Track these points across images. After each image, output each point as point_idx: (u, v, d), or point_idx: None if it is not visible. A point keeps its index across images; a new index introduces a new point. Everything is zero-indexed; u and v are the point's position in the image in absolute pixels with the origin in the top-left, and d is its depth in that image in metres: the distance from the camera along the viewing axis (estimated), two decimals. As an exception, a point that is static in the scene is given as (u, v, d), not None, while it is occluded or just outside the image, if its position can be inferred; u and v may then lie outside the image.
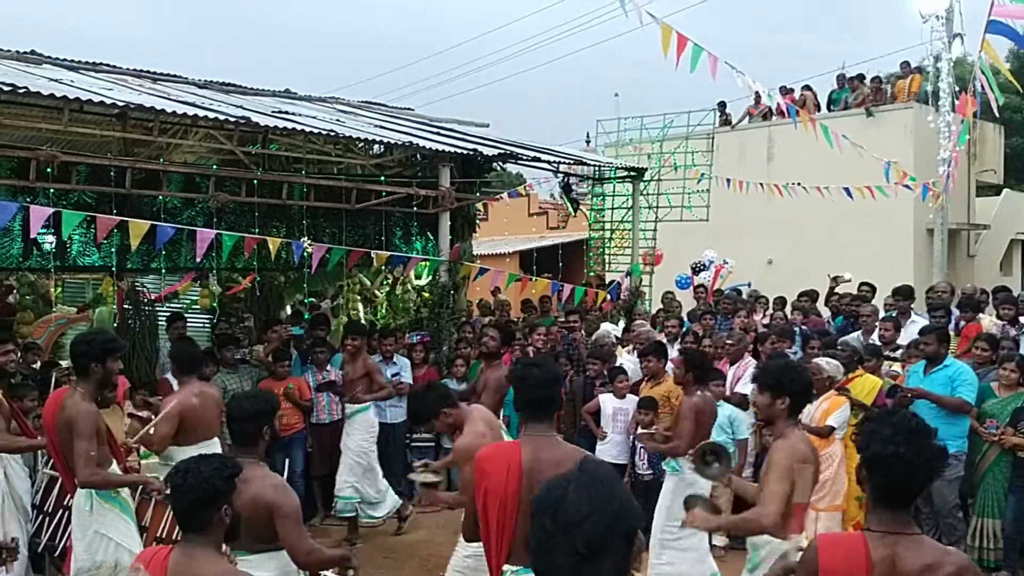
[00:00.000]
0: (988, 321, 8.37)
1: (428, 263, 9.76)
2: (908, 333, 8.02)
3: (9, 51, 8.77)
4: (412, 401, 5.09)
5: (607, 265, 13.44)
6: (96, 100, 6.85)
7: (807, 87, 18.00)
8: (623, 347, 8.85)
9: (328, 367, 7.98)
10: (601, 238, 13.72)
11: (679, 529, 5.51)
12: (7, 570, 3.82)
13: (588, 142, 21.81)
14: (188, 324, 9.22)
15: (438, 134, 10.12)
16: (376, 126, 9.74)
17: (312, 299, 11.56)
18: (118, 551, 4.55)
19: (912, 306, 8.84)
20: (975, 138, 17.83)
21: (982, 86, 8.97)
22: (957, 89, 14.83)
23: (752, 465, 7.20)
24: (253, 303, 11.04)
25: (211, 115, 7.59)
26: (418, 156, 10.25)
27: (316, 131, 8.31)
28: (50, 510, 5.67)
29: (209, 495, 2.81)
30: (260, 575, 3.50)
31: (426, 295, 11.18)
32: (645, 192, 12.35)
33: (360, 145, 10.06)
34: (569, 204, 12.60)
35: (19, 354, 7.38)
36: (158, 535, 4.90)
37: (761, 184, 13.13)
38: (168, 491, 2.94)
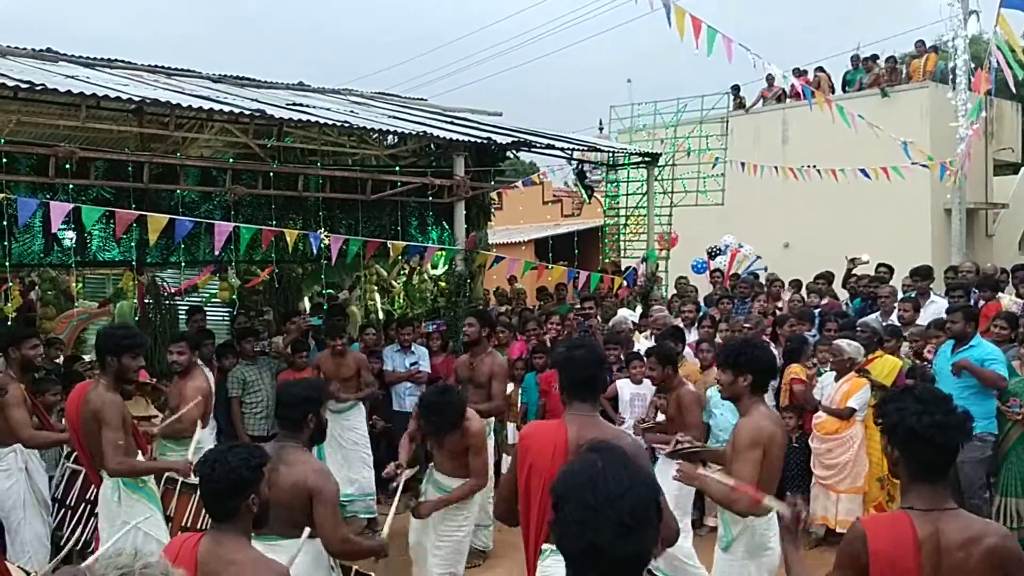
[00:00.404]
0: (1007, 300, 8.32)
1: (444, 252, 9.78)
2: (927, 314, 7.99)
3: (25, 49, 8.84)
4: (439, 408, 4.91)
5: (622, 251, 13.42)
6: (112, 96, 6.89)
7: (820, 69, 17.87)
8: (640, 332, 8.86)
9: (347, 357, 8.03)
10: (616, 225, 13.70)
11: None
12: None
13: (601, 129, 21.77)
14: (208, 317, 9.30)
15: (452, 123, 10.12)
16: (390, 117, 9.75)
17: (330, 291, 11.61)
18: (146, 541, 4.61)
19: (931, 286, 8.80)
20: (992, 116, 17.68)
21: (998, 62, 8.89)
22: (973, 67, 14.70)
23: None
24: (272, 295, 11.11)
25: (226, 109, 7.62)
26: (432, 146, 10.26)
27: (330, 123, 8.33)
28: (72, 503, 5.76)
29: (237, 485, 2.84)
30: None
31: (443, 284, 11.23)
32: (660, 177, 12.32)
33: (374, 136, 10.09)
34: (583, 191, 12.59)
35: (42, 349, 7.47)
36: (183, 524, 4.97)
37: (776, 167, 13.06)
38: (195, 477, 2.98)
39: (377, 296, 12.15)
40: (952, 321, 6.65)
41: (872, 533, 2.57)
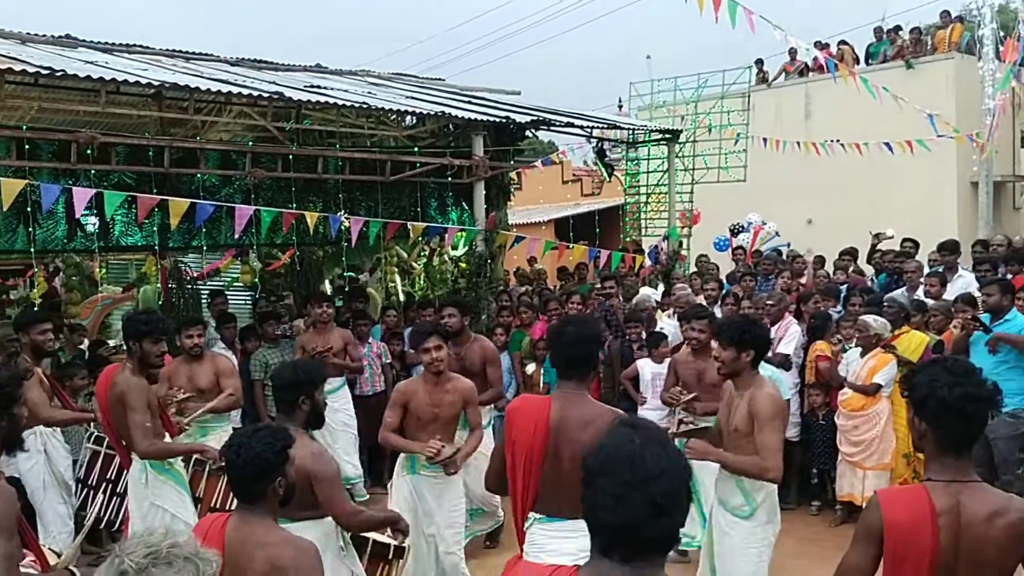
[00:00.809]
0: (1037, 273, 8.18)
1: (464, 233, 9.76)
2: (954, 288, 7.87)
3: (44, 36, 8.88)
4: None
5: (643, 230, 13.33)
6: (132, 80, 6.93)
7: (843, 42, 17.61)
8: (663, 311, 8.81)
9: (370, 339, 8.04)
10: (636, 203, 13.60)
11: None
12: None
13: (620, 107, 21.59)
14: (231, 301, 9.35)
15: (470, 103, 10.07)
16: (408, 97, 9.72)
17: (351, 273, 11.65)
18: (173, 522, 4.66)
19: (958, 261, 8.68)
20: (1020, 87, 17.35)
21: (1027, 31, 8.70)
22: (1002, 35, 14.43)
23: (797, 426, 7.16)
24: (293, 278, 11.16)
25: (245, 92, 7.63)
26: (451, 126, 10.23)
27: (349, 104, 8.33)
28: (94, 483, 5.85)
29: (262, 469, 2.84)
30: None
31: (463, 265, 11.20)
32: (680, 155, 12.21)
33: (393, 117, 10.06)
34: (604, 169, 12.51)
35: (65, 335, 7.55)
36: (212, 505, 5.01)
37: (799, 143, 12.91)
38: (223, 462, 2.99)
39: (398, 278, 12.17)
40: (987, 294, 6.50)
41: (887, 504, 2.56)
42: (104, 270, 11.28)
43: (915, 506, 2.50)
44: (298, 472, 3.57)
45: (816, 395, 7.13)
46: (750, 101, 13.50)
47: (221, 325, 7.99)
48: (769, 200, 15.14)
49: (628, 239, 13.59)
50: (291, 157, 8.53)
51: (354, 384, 7.87)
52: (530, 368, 8.52)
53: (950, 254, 8.55)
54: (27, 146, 7.05)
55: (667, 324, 8.27)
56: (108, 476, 5.83)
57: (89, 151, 7.15)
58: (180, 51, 9.83)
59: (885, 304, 7.18)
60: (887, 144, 12.51)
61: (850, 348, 7.04)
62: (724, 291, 8.88)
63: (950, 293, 7.76)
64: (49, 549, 3.65)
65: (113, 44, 9.40)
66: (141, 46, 9.60)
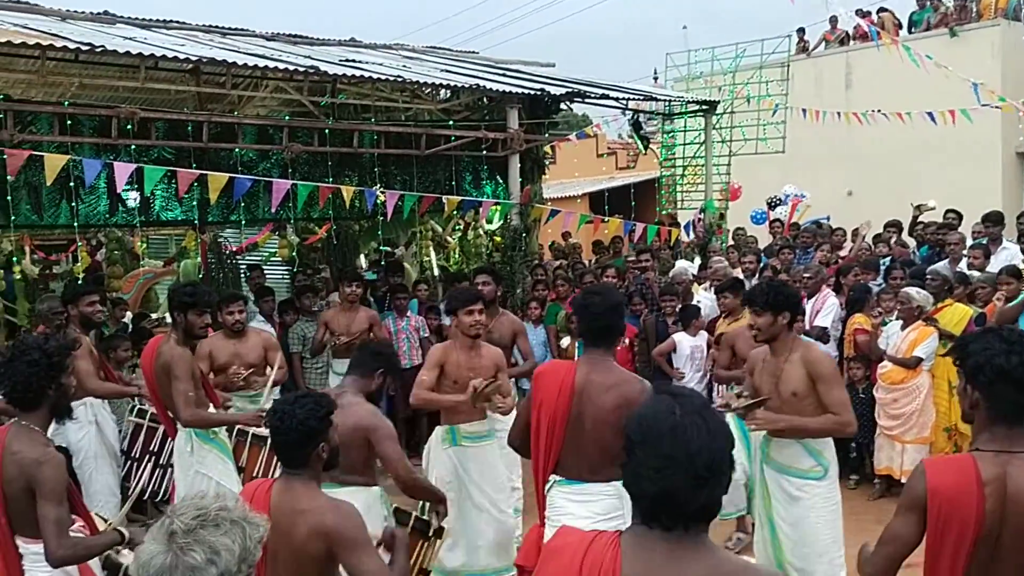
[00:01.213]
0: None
1: (499, 207, 9.75)
2: (999, 260, 7.73)
3: (83, 13, 8.97)
4: None
5: (679, 203, 13.21)
6: (170, 56, 6.98)
7: (883, 9, 17.19)
8: (699, 285, 8.75)
9: (408, 312, 8.10)
10: (672, 176, 13.46)
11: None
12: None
13: (656, 79, 21.34)
14: (269, 275, 9.44)
15: (504, 76, 10.02)
16: (442, 70, 9.70)
17: (386, 248, 11.70)
18: (218, 489, 4.75)
19: (1002, 232, 8.50)
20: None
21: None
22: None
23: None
24: (330, 252, 11.24)
25: (281, 66, 7.66)
26: (485, 99, 10.18)
27: (383, 77, 8.32)
28: (137, 455, 5.98)
29: (305, 436, 2.89)
30: None
31: (498, 239, 11.19)
32: (718, 126, 12.05)
33: (427, 90, 10.05)
34: (639, 142, 12.40)
35: (108, 308, 7.68)
36: (254, 475, 5.10)
37: (839, 113, 12.67)
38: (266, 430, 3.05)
39: (432, 252, 12.19)
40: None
41: (933, 472, 2.53)
42: (145, 245, 11.45)
43: (961, 475, 2.47)
44: (357, 430, 3.70)
45: (857, 368, 7.05)
46: (789, 71, 13.26)
47: (259, 299, 8.08)
48: (808, 172, 14.92)
49: (664, 212, 13.48)
50: (327, 131, 8.57)
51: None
52: (565, 341, 8.53)
53: (994, 225, 8.39)
54: (69, 122, 7.15)
55: (703, 297, 8.23)
56: (152, 448, 5.95)
57: (129, 126, 7.24)
58: (216, 27, 9.89)
59: (928, 276, 7.08)
60: (930, 114, 12.23)
61: (890, 321, 6.95)
62: (762, 264, 8.80)
63: (994, 265, 7.62)
64: (97, 515, 3.75)
65: (151, 20, 9.49)
66: (178, 22, 9.68)
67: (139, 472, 5.93)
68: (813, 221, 12.63)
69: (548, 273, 9.79)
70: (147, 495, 5.96)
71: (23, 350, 3.34)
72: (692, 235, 11.26)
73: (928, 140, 13.91)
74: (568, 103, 10.82)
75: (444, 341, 8.14)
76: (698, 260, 10.27)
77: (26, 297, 9.23)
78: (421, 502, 4.21)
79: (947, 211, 9.51)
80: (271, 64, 7.69)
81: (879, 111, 12.51)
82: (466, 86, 8.76)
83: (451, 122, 9.80)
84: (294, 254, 10.77)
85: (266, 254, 11.47)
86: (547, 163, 11.71)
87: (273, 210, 8.35)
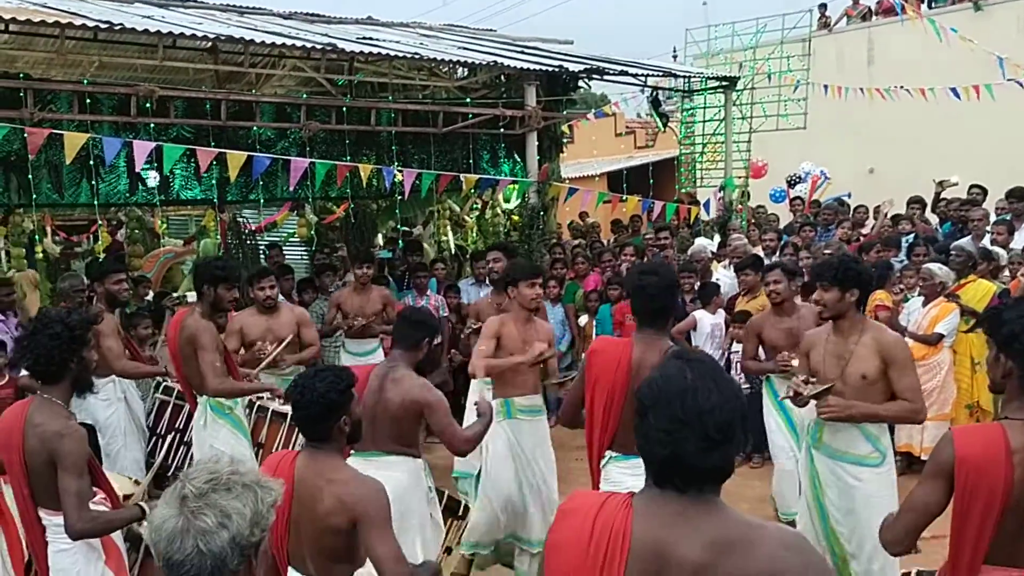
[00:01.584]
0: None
1: (517, 186, 9.71)
2: (1023, 236, 7.64)
3: (102, -8, 8.98)
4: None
5: (699, 181, 13.11)
6: (188, 34, 6.99)
7: (906, -18, 16.93)
8: (719, 262, 8.71)
9: (428, 291, 8.11)
10: (692, 154, 13.36)
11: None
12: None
13: (675, 57, 21.17)
14: (288, 254, 9.45)
15: (521, 53, 9.96)
16: (459, 48, 9.65)
17: (404, 227, 11.71)
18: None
19: (1027, 209, 8.38)
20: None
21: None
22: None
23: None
24: (348, 231, 11.26)
25: (298, 44, 7.65)
26: (503, 77, 10.13)
27: (401, 55, 8.30)
28: (163, 432, 6.03)
29: (327, 409, 2.89)
30: (392, 474, 3.64)
31: (515, 218, 11.17)
32: (738, 102, 11.93)
33: (445, 68, 10.01)
34: (658, 119, 12.30)
35: (131, 286, 7.74)
36: (274, 451, 5.14)
37: (861, 89, 12.49)
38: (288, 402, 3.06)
39: (450, 231, 12.19)
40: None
41: (961, 439, 2.51)
42: (165, 224, 11.52)
43: (989, 442, 2.45)
44: (411, 403, 3.81)
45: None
46: (811, 46, 13.09)
47: (279, 277, 8.09)
48: (829, 149, 14.75)
49: (683, 191, 13.40)
50: (344, 110, 8.55)
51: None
52: (583, 320, 8.52)
53: (1018, 201, 8.26)
54: (88, 100, 7.18)
55: (723, 275, 8.18)
56: (176, 425, 5.99)
57: (148, 105, 7.26)
58: (233, 5, 9.89)
59: (952, 252, 7.00)
60: (953, 89, 12.05)
61: (912, 297, 6.88)
62: (783, 242, 8.74)
63: (1018, 241, 7.54)
64: (130, 478, 3.79)
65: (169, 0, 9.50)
66: (196, 1, 9.68)
67: (163, 448, 5.99)
68: (834, 198, 12.50)
69: (566, 252, 9.76)
70: (170, 471, 6.01)
71: (45, 323, 3.36)
72: (712, 213, 11.18)
73: (952, 116, 13.70)
74: (586, 80, 10.74)
75: (463, 320, 8.26)
76: (717, 238, 10.20)
77: (48, 277, 9.32)
78: (454, 481, 4.23)
79: (972, 186, 9.38)
80: (288, 42, 7.68)
81: (902, 87, 12.33)
82: (483, 63, 8.73)
83: (468, 100, 9.76)
84: (312, 233, 10.80)
85: (285, 233, 11.51)
86: (565, 142, 11.65)
87: (291, 189, 8.36)
